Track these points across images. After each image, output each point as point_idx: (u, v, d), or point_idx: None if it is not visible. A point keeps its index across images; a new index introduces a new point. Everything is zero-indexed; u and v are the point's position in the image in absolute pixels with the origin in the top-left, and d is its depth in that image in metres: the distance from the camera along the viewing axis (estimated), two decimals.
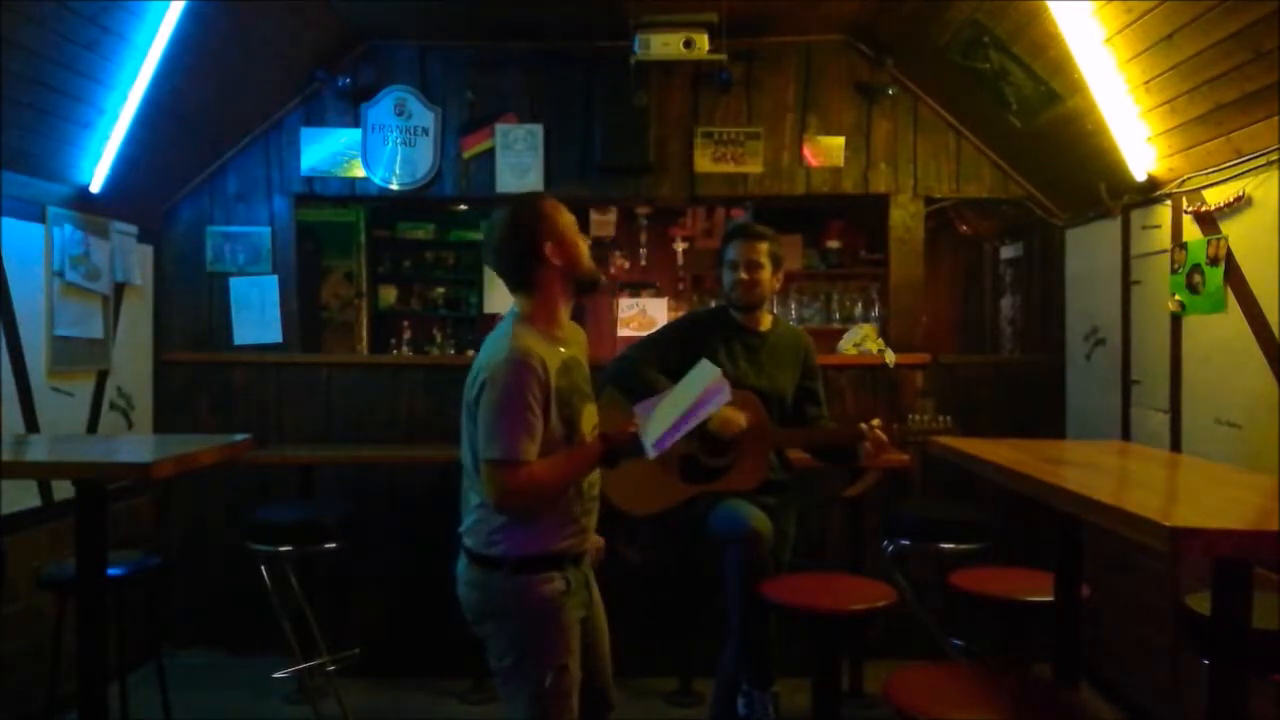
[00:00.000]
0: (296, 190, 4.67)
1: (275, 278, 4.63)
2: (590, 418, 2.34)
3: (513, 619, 2.22)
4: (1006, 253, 5.51)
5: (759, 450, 3.10)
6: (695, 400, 2.28)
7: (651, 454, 2.28)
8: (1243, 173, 3.10)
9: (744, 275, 3.14)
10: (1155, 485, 2.38)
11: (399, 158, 4.63)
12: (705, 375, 2.35)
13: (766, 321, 3.24)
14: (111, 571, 2.73)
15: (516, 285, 2.31)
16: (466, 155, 4.66)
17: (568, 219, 2.32)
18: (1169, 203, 3.57)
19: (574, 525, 2.28)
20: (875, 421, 3.05)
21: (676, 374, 3.09)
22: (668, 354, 3.15)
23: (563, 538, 2.25)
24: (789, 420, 3.24)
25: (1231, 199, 3.16)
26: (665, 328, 3.47)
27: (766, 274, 3.16)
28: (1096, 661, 3.92)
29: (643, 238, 6.36)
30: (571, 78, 4.63)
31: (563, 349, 2.29)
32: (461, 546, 2.30)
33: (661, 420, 2.29)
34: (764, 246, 3.16)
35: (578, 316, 6.33)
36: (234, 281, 4.63)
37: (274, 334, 4.62)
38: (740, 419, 3.02)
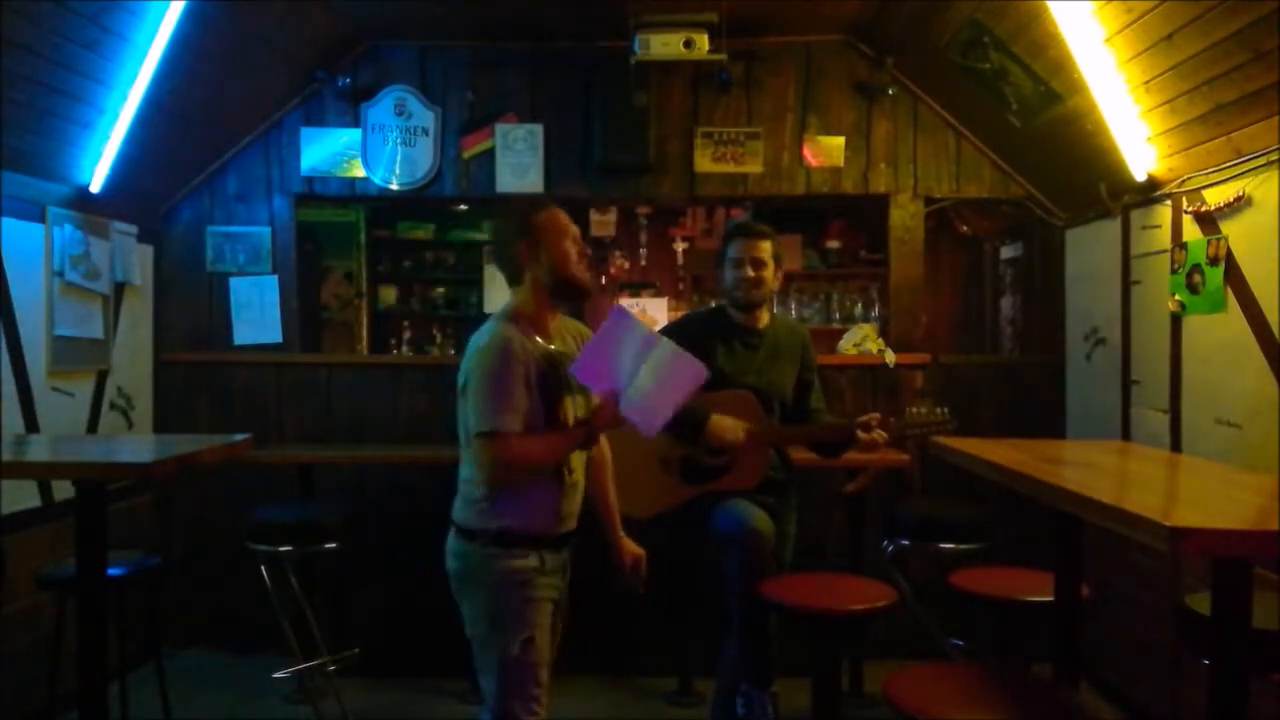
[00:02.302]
0: (296, 190, 4.67)
1: (275, 278, 4.64)
2: (570, 410, 2.38)
3: (484, 588, 2.33)
4: (1006, 253, 5.51)
5: (758, 449, 3.10)
6: (673, 381, 2.24)
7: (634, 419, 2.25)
8: (1243, 173, 3.09)
9: (750, 273, 3.12)
10: (1155, 485, 2.38)
11: (399, 158, 4.63)
12: (685, 365, 2.27)
13: (764, 319, 3.23)
14: (111, 571, 2.73)
15: (509, 281, 2.44)
16: (466, 155, 4.66)
17: (557, 226, 2.38)
18: (1169, 203, 3.57)
19: (552, 510, 2.36)
20: (874, 417, 3.05)
21: None
22: None
23: (540, 521, 2.34)
24: (789, 416, 3.24)
25: (1231, 199, 3.16)
26: (664, 330, 3.46)
27: (770, 271, 3.15)
28: (1096, 661, 3.92)
29: (643, 238, 6.36)
30: (571, 78, 4.62)
31: (550, 344, 2.38)
32: (450, 521, 2.41)
33: (642, 392, 2.25)
34: (767, 245, 3.15)
35: (576, 318, 6.42)
36: (234, 281, 4.63)
37: (274, 334, 4.63)
38: (739, 431, 3.01)
